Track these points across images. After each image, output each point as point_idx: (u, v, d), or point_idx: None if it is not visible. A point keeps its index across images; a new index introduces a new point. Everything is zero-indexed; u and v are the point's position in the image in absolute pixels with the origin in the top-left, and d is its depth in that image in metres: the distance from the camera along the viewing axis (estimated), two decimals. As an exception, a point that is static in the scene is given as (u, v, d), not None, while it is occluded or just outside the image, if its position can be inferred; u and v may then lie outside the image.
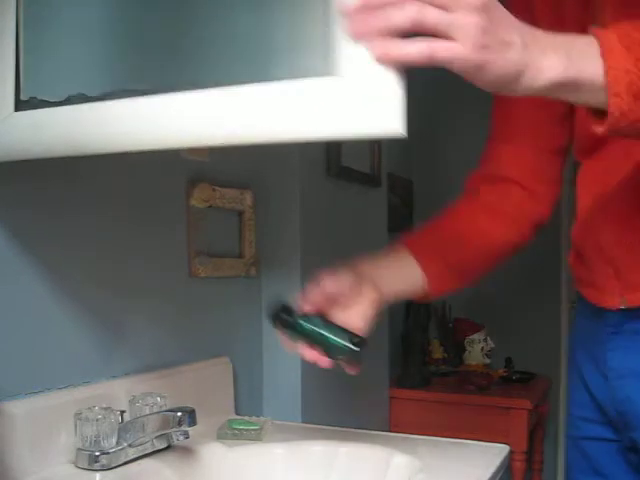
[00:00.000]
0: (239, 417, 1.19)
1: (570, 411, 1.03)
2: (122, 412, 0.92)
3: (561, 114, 0.95)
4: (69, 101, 0.73)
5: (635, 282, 0.86)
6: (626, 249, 0.86)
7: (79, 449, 0.88)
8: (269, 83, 0.62)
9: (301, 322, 0.81)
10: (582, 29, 0.70)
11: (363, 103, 0.58)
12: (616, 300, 0.88)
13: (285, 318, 0.82)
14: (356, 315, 0.85)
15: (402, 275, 0.95)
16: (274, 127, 0.62)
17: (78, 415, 0.88)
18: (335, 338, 0.80)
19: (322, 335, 0.80)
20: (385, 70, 0.57)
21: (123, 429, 0.90)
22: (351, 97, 0.59)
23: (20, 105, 0.76)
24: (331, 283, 0.84)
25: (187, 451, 0.97)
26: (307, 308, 0.82)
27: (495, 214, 0.99)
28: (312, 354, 0.82)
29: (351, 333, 0.81)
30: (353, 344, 0.79)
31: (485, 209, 1.00)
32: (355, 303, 0.86)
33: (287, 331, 0.82)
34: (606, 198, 0.88)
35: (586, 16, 0.85)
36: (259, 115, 0.62)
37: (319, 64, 0.61)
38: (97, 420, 0.87)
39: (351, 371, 0.82)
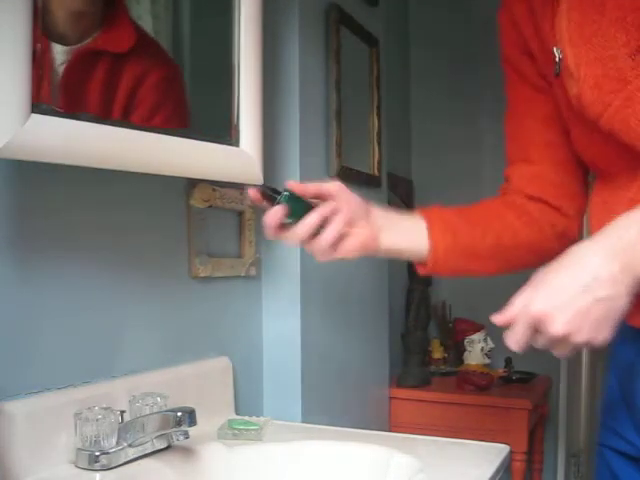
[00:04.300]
0: (239, 417, 1.19)
1: (602, 417, 0.97)
2: (122, 412, 0.92)
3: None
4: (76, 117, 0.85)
5: None
6: None
7: (79, 449, 0.88)
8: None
9: (284, 192, 0.86)
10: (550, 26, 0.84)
11: (247, 164, 1.14)
12: None
13: (272, 188, 0.87)
14: (353, 238, 0.89)
15: (408, 234, 0.95)
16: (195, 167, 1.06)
17: (78, 415, 0.88)
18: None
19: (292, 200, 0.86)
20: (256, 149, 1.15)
21: (123, 429, 0.90)
22: (240, 159, 1.13)
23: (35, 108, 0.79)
24: (343, 193, 0.88)
25: (187, 451, 0.97)
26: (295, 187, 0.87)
27: (522, 213, 0.98)
28: (272, 216, 0.86)
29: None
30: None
31: (513, 207, 0.99)
32: (356, 228, 0.89)
33: (267, 198, 0.87)
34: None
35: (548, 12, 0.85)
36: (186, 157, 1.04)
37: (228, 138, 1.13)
38: (97, 420, 0.87)
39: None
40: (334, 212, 0.88)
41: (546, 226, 0.98)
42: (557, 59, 0.85)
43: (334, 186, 0.90)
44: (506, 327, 0.74)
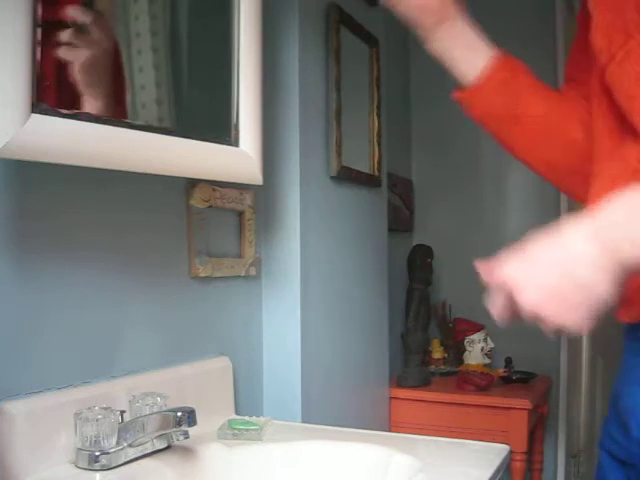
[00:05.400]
0: (239, 417, 1.19)
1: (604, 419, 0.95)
2: (122, 412, 0.92)
3: None
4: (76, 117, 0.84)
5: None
6: None
7: (79, 449, 0.88)
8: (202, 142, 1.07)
9: None
10: None
11: (247, 164, 1.14)
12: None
13: None
14: None
15: (471, 42, 0.93)
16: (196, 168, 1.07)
17: (78, 415, 0.88)
18: None
19: None
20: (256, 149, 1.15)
21: (123, 429, 0.90)
22: (240, 159, 1.13)
23: (35, 108, 0.79)
24: None
25: (187, 451, 0.97)
26: None
27: (581, 109, 0.95)
28: None
29: None
30: None
31: (572, 100, 0.96)
32: None
33: None
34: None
35: None
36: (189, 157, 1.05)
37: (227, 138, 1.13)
38: (97, 420, 0.87)
39: None
40: None
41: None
42: None
43: None
44: (486, 283, 0.71)
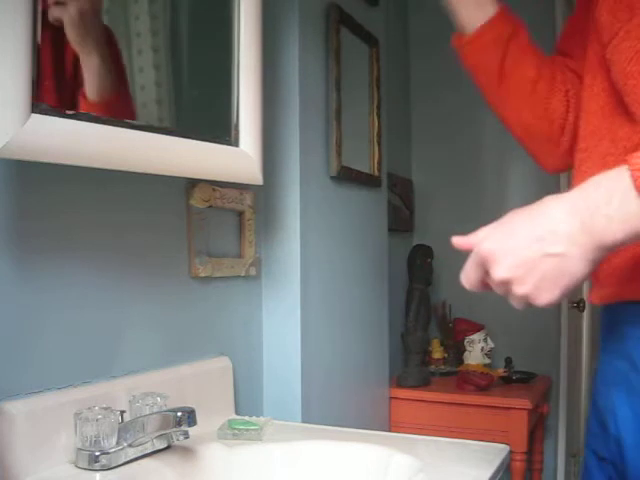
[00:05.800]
0: (239, 417, 1.19)
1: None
2: (122, 412, 0.92)
3: None
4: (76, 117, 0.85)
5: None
6: None
7: (79, 449, 0.88)
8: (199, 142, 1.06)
9: None
10: None
11: (247, 164, 1.15)
12: None
13: None
14: None
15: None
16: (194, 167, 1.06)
17: (78, 415, 0.88)
18: None
19: None
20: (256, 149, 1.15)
21: (123, 429, 0.90)
22: (240, 159, 1.13)
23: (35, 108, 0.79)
24: None
25: (187, 451, 0.97)
26: None
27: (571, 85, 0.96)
28: None
29: None
30: None
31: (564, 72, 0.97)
32: None
33: None
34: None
35: None
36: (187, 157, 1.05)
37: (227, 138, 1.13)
38: (97, 420, 0.87)
39: None
40: None
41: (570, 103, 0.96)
42: None
43: None
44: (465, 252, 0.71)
